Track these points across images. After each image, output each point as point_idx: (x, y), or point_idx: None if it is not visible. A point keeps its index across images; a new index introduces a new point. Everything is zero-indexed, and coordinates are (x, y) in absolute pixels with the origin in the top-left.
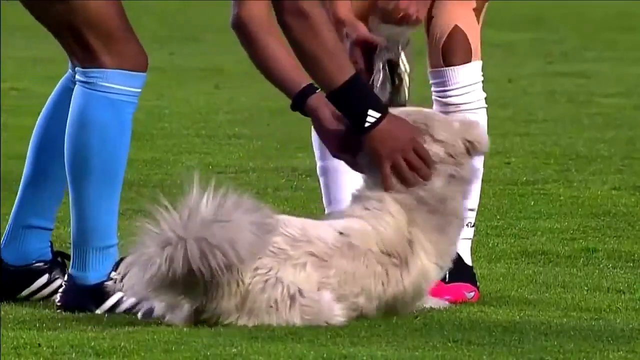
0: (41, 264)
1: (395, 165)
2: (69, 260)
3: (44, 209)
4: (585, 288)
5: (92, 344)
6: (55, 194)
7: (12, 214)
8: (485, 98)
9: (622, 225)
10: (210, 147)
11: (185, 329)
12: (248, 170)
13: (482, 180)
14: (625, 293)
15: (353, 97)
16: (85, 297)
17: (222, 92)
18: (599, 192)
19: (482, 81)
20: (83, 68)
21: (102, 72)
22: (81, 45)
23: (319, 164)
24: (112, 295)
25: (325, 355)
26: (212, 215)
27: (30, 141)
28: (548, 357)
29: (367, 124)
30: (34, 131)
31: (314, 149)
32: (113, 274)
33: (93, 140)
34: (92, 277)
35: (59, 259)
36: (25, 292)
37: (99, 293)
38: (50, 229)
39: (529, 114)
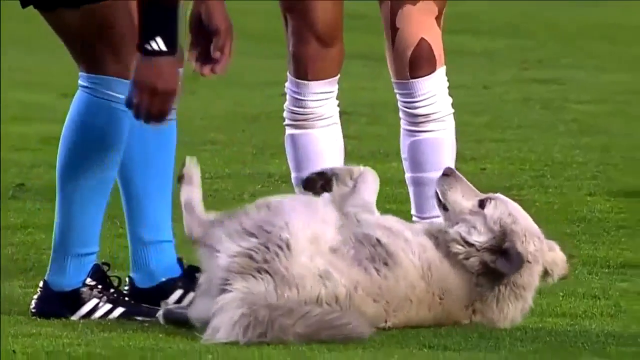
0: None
1: (142, 101)
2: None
3: (155, 221)
4: (561, 294)
5: (68, 350)
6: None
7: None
8: (452, 103)
9: (597, 231)
10: (186, 153)
11: (160, 335)
12: (224, 176)
13: None
14: (601, 299)
15: (153, 15)
16: (60, 304)
17: (198, 98)
18: (574, 198)
19: (450, 87)
20: (87, 73)
21: (104, 79)
22: (88, 52)
23: (294, 174)
24: (87, 301)
25: None
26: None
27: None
28: None
29: (148, 47)
30: None
31: (289, 160)
32: (88, 280)
33: (88, 145)
34: (68, 283)
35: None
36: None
37: (75, 299)
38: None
39: (505, 120)
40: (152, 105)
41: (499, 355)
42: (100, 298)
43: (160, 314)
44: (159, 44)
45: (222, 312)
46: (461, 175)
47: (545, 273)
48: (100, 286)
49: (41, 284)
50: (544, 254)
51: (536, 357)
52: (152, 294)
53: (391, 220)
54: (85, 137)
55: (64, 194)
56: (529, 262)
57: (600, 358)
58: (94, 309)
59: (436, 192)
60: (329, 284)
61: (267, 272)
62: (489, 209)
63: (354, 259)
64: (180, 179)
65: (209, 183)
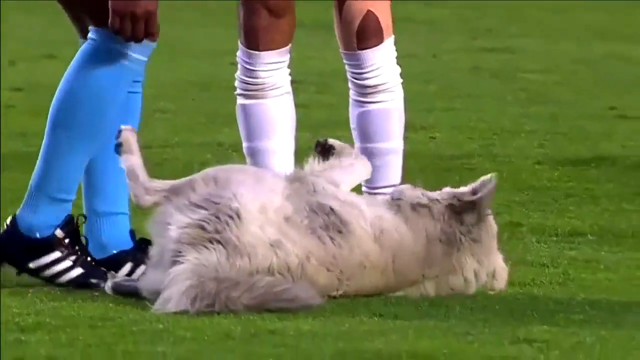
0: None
1: (126, 28)
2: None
3: (111, 193)
4: (510, 262)
5: (17, 320)
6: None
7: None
8: (401, 73)
9: (545, 199)
10: None
11: (110, 305)
12: (173, 145)
13: (407, 156)
14: (549, 267)
15: None
16: (23, 247)
17: (147, 66)
18: (522, 167)
19: (399, 56)
20: (96, 27)
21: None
22: (101, 7)
23: (245, 144)
24: (50, 252)
25: (252, 330)
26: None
27: None
28: (474, 331)
29: None
30: None
31: (240, 130)
32: (58, 231)
33: (86, 91)
34: (37, 223)
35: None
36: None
37: (39, 247)
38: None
39: (454, 89)
40: (136, 30)
41: (449, 323)
42: (63, 252)
43: (108, 286)
44: None
45: (173, 283)
46: None
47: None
48: (67, 240)
49: (9, 220)
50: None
51: (486, 325)
52: (104, 266)
53: (350, 195)
54: (86, 84)
55: (52, 138)
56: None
57: (549, 326)
58: (55, 261)
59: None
60: (281, 253)
61: (218, 242)
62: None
63: (307, 228)
64: (118, 147)
65: (158, 152)
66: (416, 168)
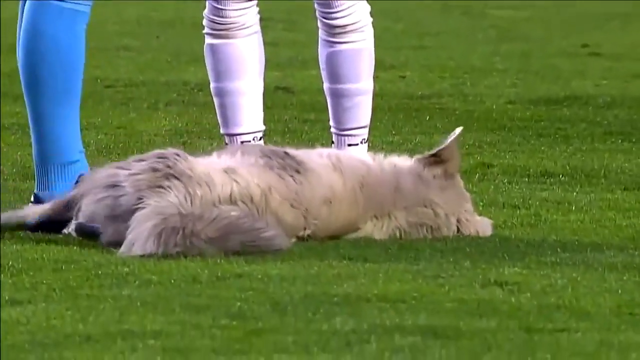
0: None
1: None
2: None
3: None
4: (481, 204)
5: None
6: None
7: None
8: (371, 12)
9: (517, 139)
10: (99, 60)
11: (75, 248)
12: (138, 84)
13: (377, 95)
14: (521, 208)
15: None
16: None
17: (110, 2)
18: (494, 106)
19: None
20: None
21: None
22: None
23: (213, 84)
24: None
25: (219, 274)
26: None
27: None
28: (444, 274)
29: None
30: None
31: (208, 70)
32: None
33: (45, 50)
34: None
35: None
36: None
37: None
38: None
39: (423, 27)
40: None
41: (418, 266)
42: None
43: (72, 228)
44: None
45: (137, 226)
46: None
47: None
48: None
49: (32, 197)
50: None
51: (456, 267)
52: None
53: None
54: (44, 44)
55: (33, 107)
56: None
57: (520, 269)
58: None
59: None
60: (240, 180)
61: (173, 176)
62: None
63: (264, 166)
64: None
65: (123, 91)
66: (385, 108)
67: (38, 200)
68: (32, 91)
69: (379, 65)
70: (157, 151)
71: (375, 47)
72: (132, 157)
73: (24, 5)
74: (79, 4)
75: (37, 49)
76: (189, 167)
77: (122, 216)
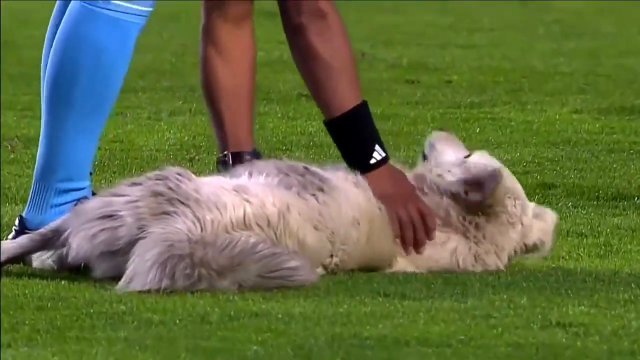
0: None
1: (405, 219)
2: None
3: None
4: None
5: None
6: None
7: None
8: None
9: (584, 155)
10: None
11: (63, 282)
12: (137, 90)
13: (418, 103)
14: (588, 237)
15: (361, 128)
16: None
17: None
18: (557, 117)
19: None
20: None
21: None
22: None
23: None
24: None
25: (232, 312)
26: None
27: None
28: (496, 313)
29: (373, 161)
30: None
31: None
32: None
33: (85, 60)
34: (46, 223)
35: None
36: None
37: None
38: None
39: (473, 21)
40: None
41: (466, 304)
42: None
43: (52, 259)
44: (380, 153)
45: (138, 257)
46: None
47: (526, 246)
48: None
49: (17, 220)
50: (523, 218)
51: (511, 306)
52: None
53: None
54: (86, 52)
55: (53, 119)
56: (510, 222)
57: (588, 307)
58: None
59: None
60: (253, 200)
61: (177, 200)
62: (473, 157)
63: (280, 184)
64: None
65: (119, 98)
66: (428, 118)
67: (23, 225)
68: (58, 102)
69: (422, 68)
70: (155, 172)
71: (416, 45)
72: (124, 180)
73: (63, 6)
74: (136, 15)
75: (76, 58)
76: (194, 189)
77: (121, 250)
